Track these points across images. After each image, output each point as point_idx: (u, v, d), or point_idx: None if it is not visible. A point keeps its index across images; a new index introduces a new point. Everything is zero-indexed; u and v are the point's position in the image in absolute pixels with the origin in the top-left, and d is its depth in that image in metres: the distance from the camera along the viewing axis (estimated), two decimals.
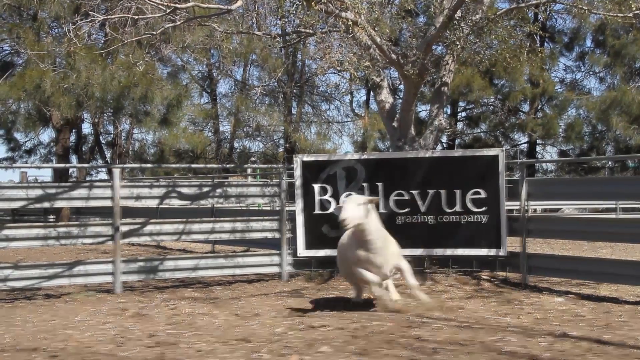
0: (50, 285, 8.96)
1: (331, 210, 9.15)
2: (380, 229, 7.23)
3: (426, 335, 6.04)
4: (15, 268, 8.79)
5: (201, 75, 30.17)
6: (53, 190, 9.19)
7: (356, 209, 6.83)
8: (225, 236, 10.22)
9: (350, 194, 8.55)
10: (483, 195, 9.15)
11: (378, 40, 9.47)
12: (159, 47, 19.01)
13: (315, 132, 30.18)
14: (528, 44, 11.25)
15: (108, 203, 9.20)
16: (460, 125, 29.43)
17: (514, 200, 9.26)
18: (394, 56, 9.87)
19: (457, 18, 9.48)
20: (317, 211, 9.67)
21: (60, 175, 22.62)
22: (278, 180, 10.25)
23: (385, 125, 11.07)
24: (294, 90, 28.32)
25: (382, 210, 9.44)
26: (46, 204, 9.36)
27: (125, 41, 11.00)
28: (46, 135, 25.94)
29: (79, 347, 5.87)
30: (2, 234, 8.71)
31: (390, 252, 7.25)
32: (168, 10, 9.51)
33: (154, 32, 10.25)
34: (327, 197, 9.66)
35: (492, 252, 9.13)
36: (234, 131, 30.15)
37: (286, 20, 11.65)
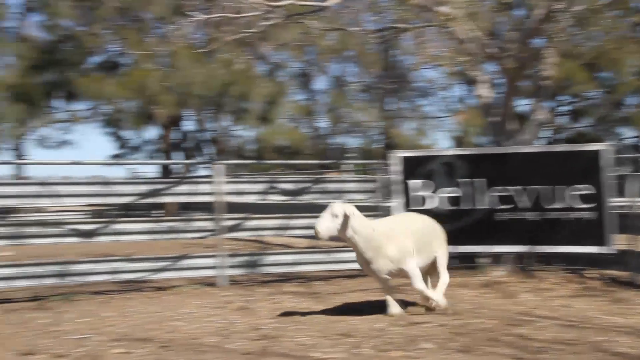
0: (159, 277, 9.31)
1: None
2: (366, 234, 6.78)
3: (531, 334, 5.94)
4: (126, 261, 9.19)
5: (298, 72, 30.49)
6: (159, 186, 9.54)
7: (330, 221, 6.65)
8: None
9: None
10: (588, 191, 8.88)
11: (476, 34, 9.34)
12: (257, 45, 19.38)
13: (411, 127, 30.04)
14: (633, 35, 10.86)
15: (211, 198, 9.47)
16: (561, 119, 28.58)
17: (623, 197, 8.94)
18: (492, 50, 9.71)
19: (558, 10, 9.23)
20: (416, 207, 9.64)
21: (165, 172, 23.41)
22: (376, 176, 10.28)
23: (484, 120, 10.91)
24: (390, 86, 28.23)
25: (481, 206, 9.34)
26: (153, 200, 9.71)
27: (225, 40, 11.27)
28: (151, 132, 26.87)
29: (186, 339, 6.08)
30: (113, 228, 9.12)
31: (386, 256, 6.83)
32: (265, 10, 9.70)
33: (253, 31, 10.46)
34: (425, 192, 9.62)
35: (598, 249, 8.86)
36: (331, 127, 30.36)
37: (381, 15, 11.64)
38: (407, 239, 6.95)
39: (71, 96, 24.39)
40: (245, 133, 29.80)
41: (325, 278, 9.81)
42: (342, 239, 6.86)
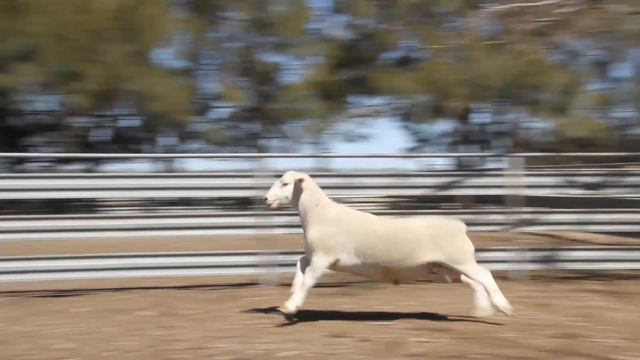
0: None
1: None
2: (307, 206, 6.49)
3: None
4: None
5: (596, 60, 28.87)
6: (452, 179, 9.65)
7: (278, 189, 6.47)
8: (628, 228, 9.73)
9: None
10: None
11: None
12: (552, 34, 18.73)
13: None
14: None
15: (505, 191, 9.36)
16: None
17: None
18: None
19: None
20: None
21: (460, 164, 23.64)
22: None
23: None
24: None
25: None
26: (446, 192, 9.81)
27: (520, 30, 11.06)
28: (444, 125, 27.25)
29: (484, 332, 6.12)
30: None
31: (308, 235, 6.46)
32: None
33: (549, 19, 10.16)
34: None
35: None
36: (635, 117, 28.42)
37: None
38: (341, 234, 6.44)
39: (369, 92, 25.65)
40: (539, 125, 28.99)
41: (632, 277, 9.22)
42: (294, 209, 6.67)
